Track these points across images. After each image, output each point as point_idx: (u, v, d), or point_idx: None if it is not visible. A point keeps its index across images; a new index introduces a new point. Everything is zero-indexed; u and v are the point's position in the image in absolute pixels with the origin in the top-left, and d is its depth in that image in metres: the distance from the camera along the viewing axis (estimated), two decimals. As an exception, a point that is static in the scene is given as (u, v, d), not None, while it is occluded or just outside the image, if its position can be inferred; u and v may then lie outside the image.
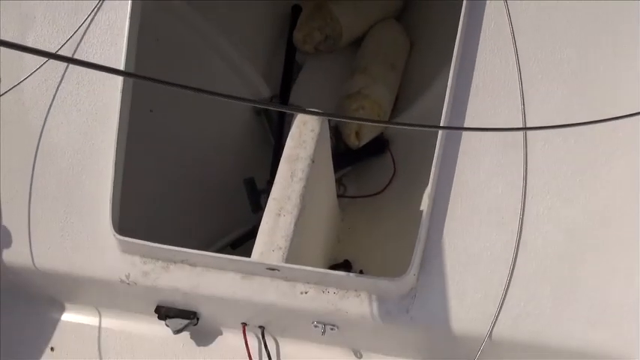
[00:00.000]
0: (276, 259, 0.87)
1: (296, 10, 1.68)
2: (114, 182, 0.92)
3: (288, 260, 0.88)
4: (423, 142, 1.49)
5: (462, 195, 0.85)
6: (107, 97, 1.02)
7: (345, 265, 1.37)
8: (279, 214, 0.93)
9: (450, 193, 0.85)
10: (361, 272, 1.34)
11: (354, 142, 1.42)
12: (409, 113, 1.48)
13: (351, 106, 1.44)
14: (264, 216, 0.94)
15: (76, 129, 1.00)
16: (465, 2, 0.86)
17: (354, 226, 1.47)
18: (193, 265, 0.84)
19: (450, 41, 1.52)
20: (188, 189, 1.27)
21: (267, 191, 1.29)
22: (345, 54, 1.66)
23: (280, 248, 0.88)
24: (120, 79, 1.03)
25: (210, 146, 1.36)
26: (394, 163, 1.49)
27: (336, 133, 1.53)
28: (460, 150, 0.86)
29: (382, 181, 1.51)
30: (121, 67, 1.05)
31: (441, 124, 0.89)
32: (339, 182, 1.54)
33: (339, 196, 1.49)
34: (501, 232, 0.83)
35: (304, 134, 1.03)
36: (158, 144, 1.22)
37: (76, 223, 0.95)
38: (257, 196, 1.27)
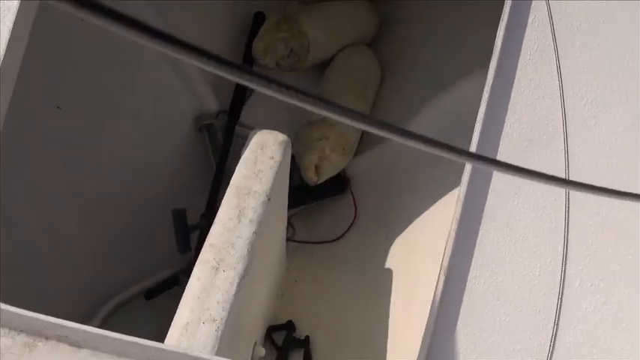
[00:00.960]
0: (206, 334, 0.61)
1: (258, 19, 1.44)
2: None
3: (223, 336, 0.62)
4: (389, 186, 1.30)
5: (486, 269, 0.62)
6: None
7: (288, 328, 1.11)
8: (218, 268, 0.67)
9: (469, 268, 0.62)
10: (307, 338, 1.09)
11: (312, 178, 1.19)
12: (378, 151, 1.28)
13: (313, 135, 1.22)
14: (195, 267, 0.68)
15: None
16: (502, 24, 0.67)
17: (301, 278, 1.22)
18: (76, 344, 0.54)
19: (427, 73, 1.41)
20: (98, 218, 0.98)
21: (199, 227, 1.03)
22: (309, 75, 1.45)
23: (214, 320, 0.62)
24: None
25: (134, 163, 1.07)
26: (355, 207, 1.27)
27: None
28: (487, 206, 0.64)
29: (338, 225, 1.29)
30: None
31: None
32: (287, 223, 1.29)
33: (287, 239, 1.25)
34: (538, 325, 0.60)
35: (261, 162, 0.78)
36: (60, 152, 0.93)
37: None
38: (186, 232, 1.00)
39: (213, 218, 1.01)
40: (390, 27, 1.59)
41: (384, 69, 1.47)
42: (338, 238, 1.23)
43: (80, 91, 0.99)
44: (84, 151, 0.98)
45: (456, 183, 0.90)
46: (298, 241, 1.25)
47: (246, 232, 0.70)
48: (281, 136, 0.82)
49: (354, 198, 1.26)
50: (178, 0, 1.23)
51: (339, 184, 1.28)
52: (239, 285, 0.66)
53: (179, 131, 1.19)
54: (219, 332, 0.62)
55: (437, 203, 1.11)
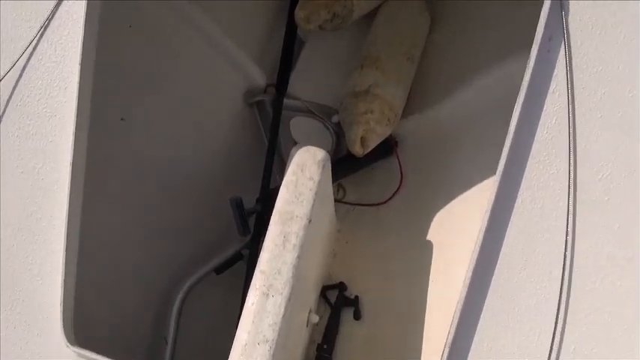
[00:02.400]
0: (261, 354, 0.75)
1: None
2: (65, 263, 0.76)
3: (275, 354, 0.76)
4: (436, 152, 1.32)
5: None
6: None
7: (340, 288, 1.26)
8: (267, 294, 0.79)
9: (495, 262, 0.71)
10: (357, 298, 1.23)
11: (358, 151, 1.24)
12: (426, 115, 1.29)
13: (358, 107, 1.25)
14: (249, 293, 0.80)
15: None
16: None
17: (352, 240, 1.34)
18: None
19: (485, 33, 1.31)
20: (166, 207, 1.11)
21: (256, 211, 1.15)
22: (354, 31, 1.43)
23: (267, 341, 0.76)
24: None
25: (194, 152, 1.17)
26: (401, 171, 1.32)
27: (338, 132, 1.35)
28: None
29: (386, 188, 1.36)
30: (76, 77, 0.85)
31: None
32: (338, 185, 1.38)
33: (336, 201, 1.34)
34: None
35: (302, 184, 0.86)
36: (127, 158, 1.04)
37: (20, 329, 0.80)
38: (244, 218, 1.12)
39: (268, 201, 1.14)
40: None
41: (433, 13, 1.41)
42: (385, 202, 1.31)
43: (139, 95, 1.08)
44: (146, 150, 1.09)
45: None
46: (348, 203, 1.35)
47: (290, 257, 0.81)
48: (319, 154, 0.88)
49: (399, 162, 1.31)
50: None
51: (386, 148, 1.33)
52: (286, 308, 0.78)
53: (231, 112, 1.26)
54: (272, 351, 0.76)
55: (480, 181, 1.14)
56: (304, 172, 0.87)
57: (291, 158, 0.89)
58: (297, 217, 0.84)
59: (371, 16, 1.41)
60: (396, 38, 1.31)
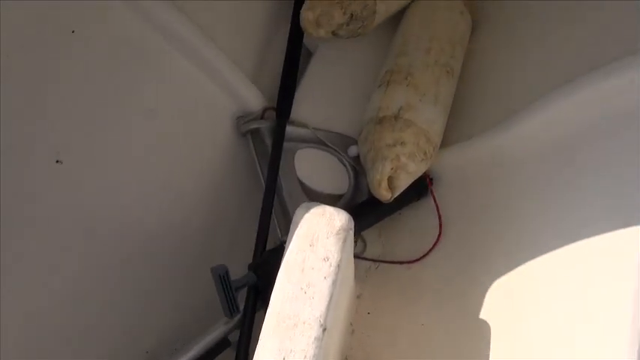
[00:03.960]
0: None
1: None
2: None
3: None
4: (487, 192, 1.01)
5: None
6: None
7: (361, 379, 0.95)
8: None
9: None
10: (385, 394, 0.92)
11: (384, 195, 0.94)
12: (472, 145, 0.98)
13: (385, 138, 0.94)
14: None
15: None
16: None
17: (375, 310, 1.03)
18: None
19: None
20: (130, 277, 0.81)
21: (247, 284, 0.85)
22: (376, 38, 1.13)
23: None
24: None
25: (164, 199, 0.87)
26: (440, 218, 1.02)
27: (357, 168, 1.05)
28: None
29: (422, 238, 1.05)
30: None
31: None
32: (358, 236, 1.08)
33: (356, 256, 1.04)
34: None
35: (312, 268, 0.56)
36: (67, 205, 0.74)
37: None
38: (232, 294, 0.82)
39: (264, 268, 0.84)
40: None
41: (475, 15, 1.12)
42: (419, 259, 1.01)
43: (85, 127, 0.78)
44: (93, 200, 0.79)
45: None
46: (370, 259, 1.05)
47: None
48: (338, 220, 0.58)
49: (437, 206, 1.01)
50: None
51: (419, 189, 1.02)
52: None
53: (218, 144, 0.96)
54: None
55: (552, 233, 0.84)
56: (316, 249, 0.57)
57: (296, 223, 0.60)
58: (304, 323, 0.53)
59: (397, 19, 1.12)
60: (431, 45, 1.01)
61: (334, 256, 0.56)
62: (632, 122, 0.73)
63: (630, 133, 0.75)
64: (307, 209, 0.59)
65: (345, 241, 0.57)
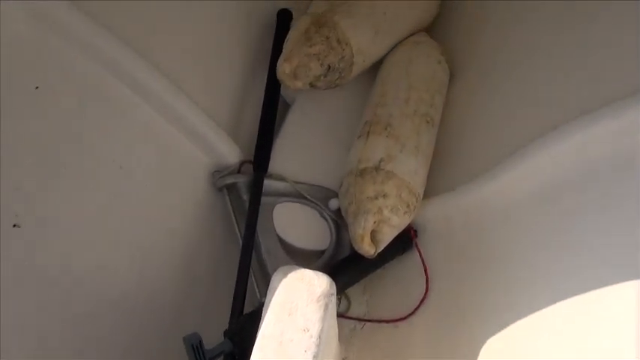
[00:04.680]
0: None
1: (283, 17, 1.11)
2: None
3: None
4: (474, 235, 0.98)
5: None
6: None
7: None
8: None
9: None
10: None
11: (367, 250, 0.90)
12: (456, 195, 0.95)
13: (366, 190, 0.91)
14: None
15: None
16: None
17: (361, 372, 0.98)
18: None
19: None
20: (91, 348, 0.75)
21: (222, 352, 0.78)
22: (354, 88, 1.12)
23: None
24: None
25: (132, 260, 0.82)
26: (426, 272, 0.97)
27: (338, 222, 1.01)
28: None
29: (408, 294, 1.00)
30: None
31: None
32: (341, 294, 1.03)
33: (339, 315, 0.98)
34: None
35: (290, 340, 0.51)
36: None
37: None
38: (207, 364, 0.75)
39: (241, 335, 0.78)
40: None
41: (453, 64, 1.11)
42: (406, 317, 0.96)
43: (48, 185, 0.73)
44: (53, 263, 0.73)
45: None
46: (355, 319, 0.99)
47: None
48: (318, 285, 0.54)
49: (423, 260, 0.97)
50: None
51: (403, 242, 0.98)
52: None
53: (191, 200, 0.91)
54: None
55: (542, 288, 0.80)
56: (295, 318, 0.51)
57: (273, 290, 0.55)
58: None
59: (374, 68, 1.11)
60: (410, 95, 1.00)
61: (315, 325, 0.51)
62: (621, 167, 0.71)
63: (619, 178, 0.72)
64: (285, 274, 0.54)
65: (326, 308, 0.52)
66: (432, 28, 1.19)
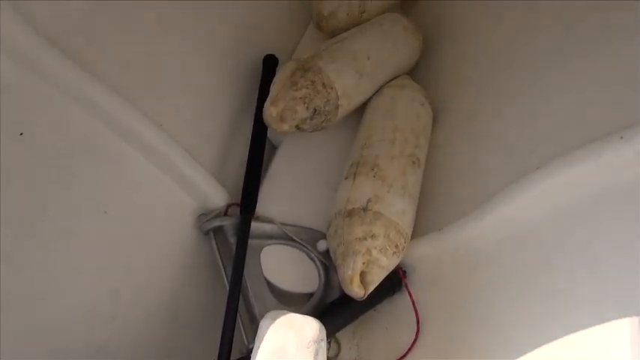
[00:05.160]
0: None
1: (270, 63, 1.13)
2: None
3: None
4: (465, 275, 0.97)
5: None
6: None
7: None
8: None
9: None
10: None
11: (356, 292, 0.89)
12: (445, 234, 0.95)
13: (354, 231, 0.91)
14: None
15: None
16: None
17: (354, 420, 0.95)
18: None
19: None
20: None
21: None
22: (340, 131, 1.13)
23: None
24: None
25: (113, 309, 0.80)
26: (417, 314, 0.96)
27: (327, 264, 1.00)
28: None
29: (399, 336, 0.99)
30: None
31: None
32: (331, 338, 1.01)
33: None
34: None
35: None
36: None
37: None
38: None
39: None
40: (437, 44, 1.25)
41: (436, 106, 1.14)
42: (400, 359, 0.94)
43: (27, 232, 0.72)
44: (30, 313, 0.71)
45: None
46: (345, 363, 0.97)
47: None
48: (308, 330, 0.53)
49: (413, 301, 0.96)
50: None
51: (392, 283, 0.97)
52: None
53: (177, 245, 0.90)
54: None
55: (531, 327, 0.79)
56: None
57: (261, 337, 0.53)
58: None
59: (360, 110, 1.13)
60: (395, 136, 1.01)
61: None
62: (605, 207, 0.72)
63: (603, 218, 0.73)
64: (273, 319, 0.53)
65: (316, 354, 0.51)
66: (414, 72, 1.23)
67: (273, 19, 1.16)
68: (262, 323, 0.54)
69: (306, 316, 0.55)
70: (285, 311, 0.55)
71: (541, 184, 0.78)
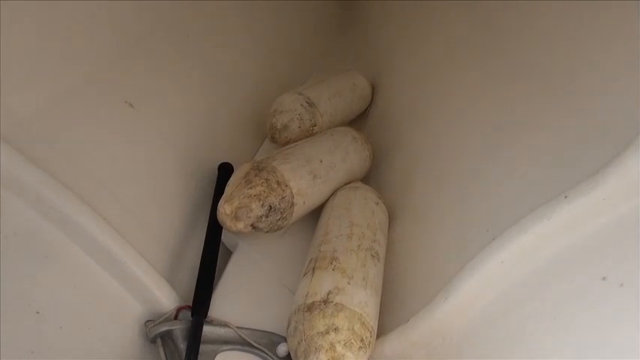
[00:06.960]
0: None
1: (224, 172, 1.15)
2: None
3: None
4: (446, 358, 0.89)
5: None
6: None
7: None
8: None
9: None
10: None
11: (323, 395, 0.80)
12: (413, 328, 0.90)
13: (316, 325, 0.84)
14: None
15: None
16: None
17: None
18: None
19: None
20: None
21: None
22: (295, 233, 1.12)
23: None
24: None
25: None
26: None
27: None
28: None
29: None
30: None
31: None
32: None
33: None
34: None
35: None
36: None
37: None
38: None
39: None
40: (386, 154, 1.31)
41: (390, 208, 1.15)
42: None
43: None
44: None
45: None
46: None
47: None
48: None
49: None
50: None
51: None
52: None
53: (121, 354, 0.81)
54: None
55: None
56: None
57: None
58: None
59: (316, 214, 1.13)
60: (352, 231, 1.00)
61: None
62: (569, 260, 0.71)
63: (566, 281, 0.71)
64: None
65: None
66: (366, 179, 1.27)
67: (231, 130, 1.20)
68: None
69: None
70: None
71: (498, 254, 0.77)
